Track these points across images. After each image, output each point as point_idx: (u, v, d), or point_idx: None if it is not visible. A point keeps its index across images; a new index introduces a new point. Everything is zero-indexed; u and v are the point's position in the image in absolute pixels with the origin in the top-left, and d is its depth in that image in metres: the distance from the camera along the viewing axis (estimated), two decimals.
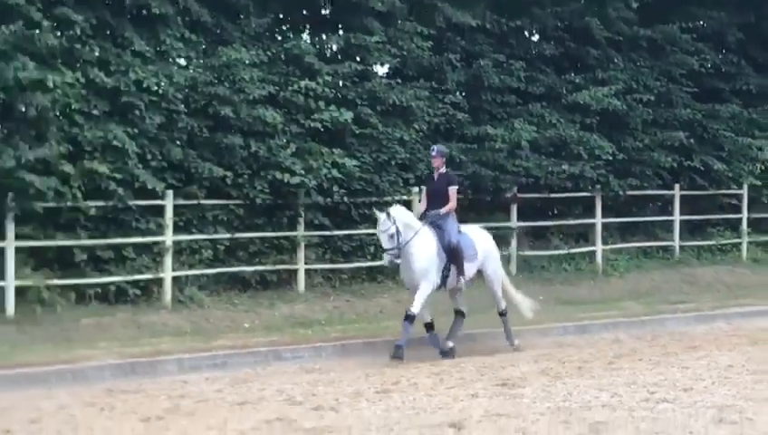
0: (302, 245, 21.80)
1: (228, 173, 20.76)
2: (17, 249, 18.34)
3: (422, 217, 17.81)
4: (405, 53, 23.72)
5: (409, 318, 17.01)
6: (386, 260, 17.52)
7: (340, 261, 22.56)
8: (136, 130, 19.69)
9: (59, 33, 19.21)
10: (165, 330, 18.37)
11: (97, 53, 19.78)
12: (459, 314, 18.24)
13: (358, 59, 23.17)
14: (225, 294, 20.72)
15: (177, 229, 20.26)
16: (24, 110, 18.52)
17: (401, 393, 13.93)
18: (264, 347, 17.21)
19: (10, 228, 18.30)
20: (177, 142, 20.41)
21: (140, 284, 19.80)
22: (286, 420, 12.26)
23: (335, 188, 21.83)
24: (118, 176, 19.30)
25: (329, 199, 22.01)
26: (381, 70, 24.29)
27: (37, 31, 18.71)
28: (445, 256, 17.54)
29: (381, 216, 17.13)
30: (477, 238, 18.33)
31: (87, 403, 13.50)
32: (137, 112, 19.74)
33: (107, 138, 19.21)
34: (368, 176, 22.49)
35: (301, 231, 21.82)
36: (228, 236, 21.12)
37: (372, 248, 22.72)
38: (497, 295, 18.47)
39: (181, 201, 20.28)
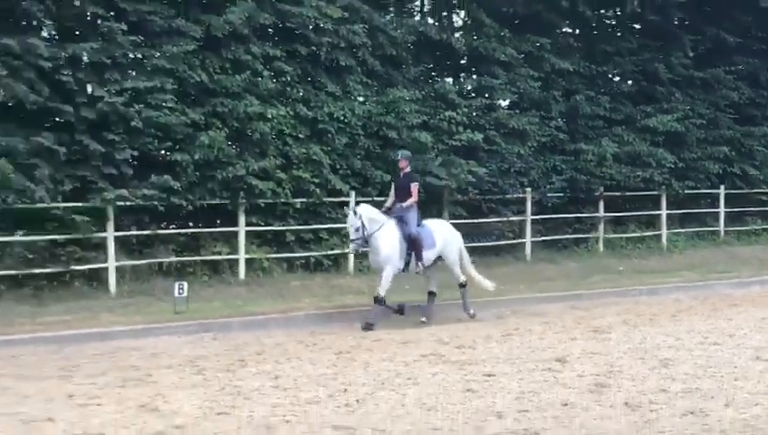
0: None
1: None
2: (246, 232, 18.72)
3: (389, 210, 16.09)
4: (521, 90, 23.49)
5: (378, 301, 15.40)
6: (351, 248, 16.01)
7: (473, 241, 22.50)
8: (329, 148, 19.92)
9: (275, 80, 19.47)
10: (349, 290, 18.39)
11: (301, 94, 20.03)
12: (432, 294, 16.31)
13: (486, 95, 23.07)
14: None
15: None
16: (250, 134, 18.90)
17: (520, 337, 13.90)
18: (416, 303, 17.14)
19: (241, 218, 18.68)
20: (358, 156, 20.49)
21: (332, 257, 19.95)
22: (438, 354, 12.34)
23: (470, 189, 21.84)
24: (316, 180, 19.58)
25: (465, 196, 22.03)
26: (504, 103, 24.05)
27: (260, 78, 19.04)
28: (406, 246, 15.74)
29: (349, 213, 15.58)
30: (437, 230, 16.36)
31: (296, 341, 13.71)
32: (329, 135, 19.96)
33: (308, 153, 19.51)
34: (493, 180, 22.36)
35: (446, 218, 21.77)
36: None
37: (497, 232, 22.79)
38: (455, 272, 16.59)
39: (361, 198, 20.25)
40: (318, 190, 19.62)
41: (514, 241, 22.95)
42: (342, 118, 20.05)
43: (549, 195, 23.73)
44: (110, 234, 17.12)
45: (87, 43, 17.00)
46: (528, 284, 19.39)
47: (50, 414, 9.04)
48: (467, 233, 22.35)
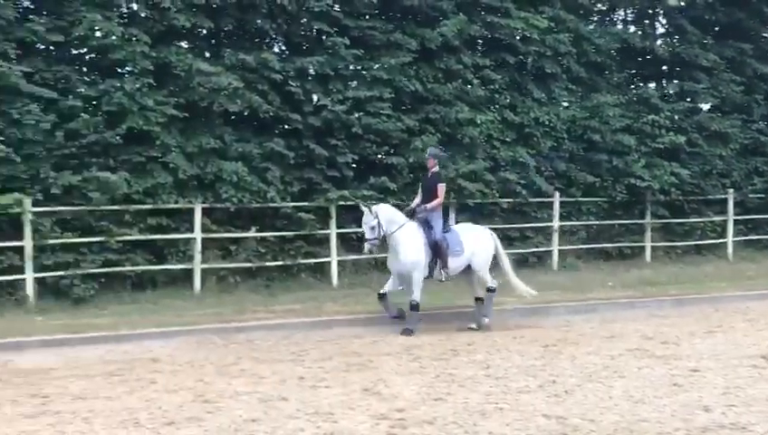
0: (649, 229, 21.32)
1: (597, 180, 20.60)
2: None
3: (413, 212, 14.20)
4: (723, 94, 22.79)
5: (414, 307, 13.71)
6: (366, 248, 13.88)
7: (675, 240, 21.90)
8: (534, 151, 19.88)
9: (484, 87, 19.55)
10: (554, 285, 18.01)
11: (508, 100, 20.01)
12: (480, 300, 14.40)
13: (689, 99, 22.57)
14: (594, 262, 20.43)
15: (562, 217, 20.18)
16: (460, 138, 19.01)
17: (723, 333, 13.34)
18: (622, 299, 16.69)
19: (452, 216, 18.75)
20: (562, 159, 20.37)
21: (536, 254, 19.92)
22: (642, 349, 11.97)
23: (672, 190, 21.26)
24: (522, 182, 19.56)
25: (668, 197, 21.47)
26: (705, 106, 23.34)
27: (470, 86, 19.20)
28: (430, 252, 13.84)
29: (366, 211, 13.72)
30: (466, 236, 14.25)
31: (504, 334, 13.57)
32: (535, 139, 19.91)
33: (515, 156, 19.51)
34: (696, 181, 21.87)
35: (648, 219, 21.36)
36: (597, 222, 20.90)
37: (699, 232, 22.06)
38: (484, 279, 14.31)
39: (565, 199, 20.22)
40: (524, 192, 19.55)
41: (717, 240, 22.19)
42: (548, 122, 19.96)
43: (750, 196, 22.98)
44: (333, 231, 17.66)
45: (313, 56, 17.64)
46: (730, 281, 18.66)
47: (284, 394, 9.34)
48: (669, 232, 21.89)
